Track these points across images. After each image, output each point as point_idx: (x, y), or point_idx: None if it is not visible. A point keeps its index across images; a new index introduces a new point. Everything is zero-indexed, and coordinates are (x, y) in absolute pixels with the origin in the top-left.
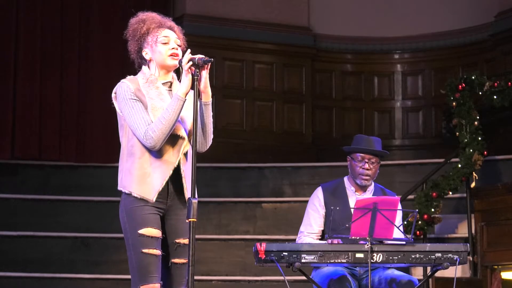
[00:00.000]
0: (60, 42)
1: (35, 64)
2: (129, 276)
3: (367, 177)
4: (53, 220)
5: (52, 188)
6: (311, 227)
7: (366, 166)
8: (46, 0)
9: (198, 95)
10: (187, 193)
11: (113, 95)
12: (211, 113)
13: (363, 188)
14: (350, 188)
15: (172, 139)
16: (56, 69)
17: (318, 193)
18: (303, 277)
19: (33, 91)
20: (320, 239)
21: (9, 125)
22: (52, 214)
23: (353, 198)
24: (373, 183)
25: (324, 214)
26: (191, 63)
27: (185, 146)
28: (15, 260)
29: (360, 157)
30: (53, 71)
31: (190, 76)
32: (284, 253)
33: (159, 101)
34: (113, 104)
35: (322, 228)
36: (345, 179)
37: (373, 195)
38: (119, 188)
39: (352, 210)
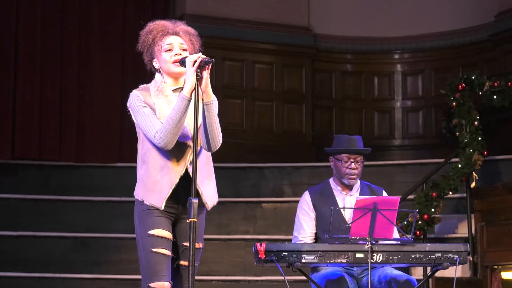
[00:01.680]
0: (60, 42)
1: (35, 64)
2: (129, 276)
3: (354, 176)
4: (53, 220)
5: (52, 188)
6: (304, 231)
7: (353, 165)
8: None
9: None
10: (204, 199)
11: (128, 106)
12: (215, 113)
13: (350, 187)
14: (336, 188)
15: (178, 147)
16: (56, 69)
17: (306, 197)
18: (303, 277)
19: (33, 91)
20: (314, 242)
21: (9, 125)
22: (52, 214)
23: (341, 197)
24: (358, 180)
25: (314, 217)
26: (196, 64)
27: (191, 154)
28: (15, 260)
29: (345, 158)
30: (53, 71)
31: (194, 74)
32: (284, 253)
33: (168, 109)
34: (129, 112)
35: (315, 231)
36: (331, 180)
37: (360, 192)
38: (134, 195)
39: (341, 209)
